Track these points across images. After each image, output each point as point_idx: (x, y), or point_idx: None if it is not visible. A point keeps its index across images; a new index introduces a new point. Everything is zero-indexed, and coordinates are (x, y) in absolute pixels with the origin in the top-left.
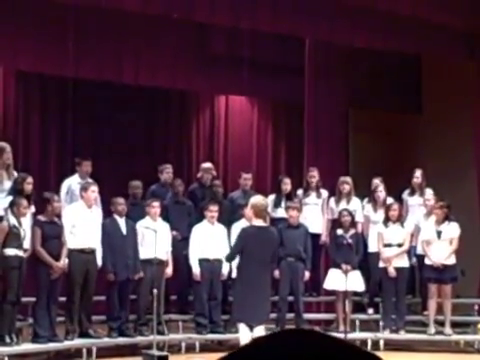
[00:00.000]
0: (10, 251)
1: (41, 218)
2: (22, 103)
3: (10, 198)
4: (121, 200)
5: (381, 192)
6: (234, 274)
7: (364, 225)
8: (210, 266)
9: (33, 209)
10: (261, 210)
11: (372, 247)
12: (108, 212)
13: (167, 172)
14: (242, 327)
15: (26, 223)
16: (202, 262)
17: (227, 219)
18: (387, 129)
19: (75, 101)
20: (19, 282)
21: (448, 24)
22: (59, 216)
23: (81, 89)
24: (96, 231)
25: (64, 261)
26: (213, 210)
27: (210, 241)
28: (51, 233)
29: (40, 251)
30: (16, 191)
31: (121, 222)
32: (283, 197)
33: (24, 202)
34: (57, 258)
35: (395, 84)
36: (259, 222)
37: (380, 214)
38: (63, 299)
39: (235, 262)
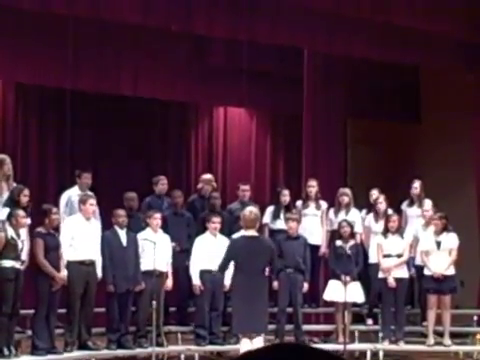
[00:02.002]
0: (6, 263)
1: (42, 230)
2: (21, 115)
3: (8, 210)
4: (122, 212)
5: (381, 203)
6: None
7: (365, 236)
8: (212, 278)
9: (29, 221)
10: (249, 220)
11: (372, 258)
12: (107, 224)
13: (162, 184)
14: (243, 339)
15: (23, 235)
16: (204, 274)
17: (226, 230)
18: (386, 140)
19: (74, 113)
20: (16, 294)
21: (447, 35)
22: (56, 228)
23: (80, 101)
24: (95, 243)
25: (64, 272)
26: (216, 222)
27: (212, 253)
28: (51, 245)
29: (44, 263)
30: (13, 203)
31: (122, 234)
32: (282, 208)
33: (21, 213)
34: (57, 270)
35: (394, 95)
36: (250, 232)
37: (381, 225)
38: (62, 311)
39: (230, 273)
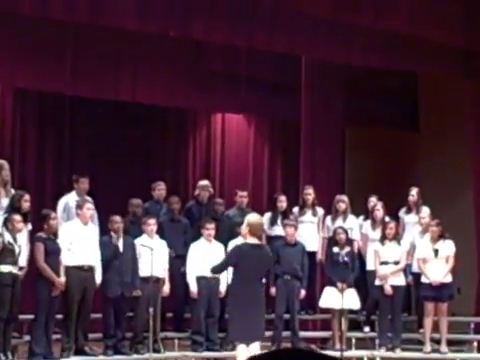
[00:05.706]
0: (3, 268)
1: (42, 235)
2: (19, 120)
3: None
4: (117, 218)
5: (379, 210)
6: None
7: (362, 243)
8: (207, 284)
9: (30, 227)
10: (257, 229)
11: (370, 265)
12: (105, 229)
13: (159, 189)
14: (240, 345)
15: (22, 240)
16: (200, 280)
17: (224, 237)
18: (384, 147)
19: (72, 118)
20: (13, 299)
21: (445, 42)
22: (55, 233)
23: (78, 106)
24: (94, 248)
25: (64, 278)
26: (210, 228)
27: (207, 259)
28: (52, 249)
29: (44, 267)
30: (13, 208)
31: (118, 240)
32: (279, 214)
33: (18, 217)
34: (57, 275)
35: (392, 102)
36: (253, 240)
37: (378, 232)
38: (59, 316)
39: (229, 279)
